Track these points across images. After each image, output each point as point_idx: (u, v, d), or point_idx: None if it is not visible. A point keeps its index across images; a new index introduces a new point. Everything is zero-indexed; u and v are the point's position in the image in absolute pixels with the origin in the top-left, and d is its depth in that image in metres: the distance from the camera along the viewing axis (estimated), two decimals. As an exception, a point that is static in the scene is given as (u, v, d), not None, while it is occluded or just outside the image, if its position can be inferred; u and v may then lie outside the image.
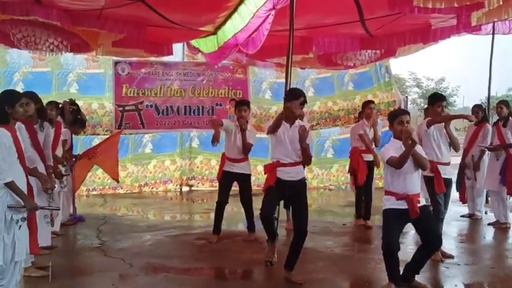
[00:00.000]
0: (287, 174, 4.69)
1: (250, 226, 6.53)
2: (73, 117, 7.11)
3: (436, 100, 5.64)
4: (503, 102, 7.41)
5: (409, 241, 6.33)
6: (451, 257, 5.62)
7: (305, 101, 4.74)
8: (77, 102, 7.40)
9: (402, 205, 4.41)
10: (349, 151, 7.57)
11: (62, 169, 6.20)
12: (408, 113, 4.65)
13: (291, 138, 4.70)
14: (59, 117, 6.56)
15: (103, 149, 7.91)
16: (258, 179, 9.99)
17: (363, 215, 7.36)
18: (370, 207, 7.33)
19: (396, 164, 4.35)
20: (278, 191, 4.72)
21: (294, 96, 4.73)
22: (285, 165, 4.70)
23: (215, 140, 6.20)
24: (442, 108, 5.55)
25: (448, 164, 5.58)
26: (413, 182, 4.48)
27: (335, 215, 8.52)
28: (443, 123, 5.50)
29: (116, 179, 8.41)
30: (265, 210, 4.74)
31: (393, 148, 4.45)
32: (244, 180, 6.45)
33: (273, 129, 4.69)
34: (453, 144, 5.54)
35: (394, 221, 4.47)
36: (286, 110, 4.70)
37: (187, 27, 6.85)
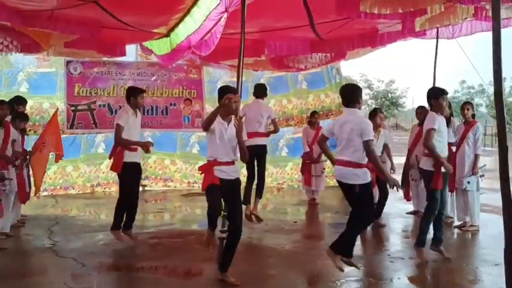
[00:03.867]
0: (224, 173, 4.68)
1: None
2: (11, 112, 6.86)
3: (440, 93, 5.67)
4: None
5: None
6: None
7: None
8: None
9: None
10: None
11: (4, 173, 6.15)
12: None
13: (229, 136, 4.70)
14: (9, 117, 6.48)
15: (49, 135, 7.65)
16: (165, 173, 10.96)
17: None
18: (383, 206, 7.29)
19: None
20: (219, 188, 4.64)
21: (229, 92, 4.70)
22: (222, 164, 4.69)
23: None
24: (446, 101, 5.70)
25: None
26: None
27: (287, 213, 8.73)
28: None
29: (61, 153, 7.84)
30: (214, 207, 4.65)
31: None
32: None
33: (207, 125, 4.62)
34: None
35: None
36: (223, 106, 4.64)
37: (140, 29, 6.86)
